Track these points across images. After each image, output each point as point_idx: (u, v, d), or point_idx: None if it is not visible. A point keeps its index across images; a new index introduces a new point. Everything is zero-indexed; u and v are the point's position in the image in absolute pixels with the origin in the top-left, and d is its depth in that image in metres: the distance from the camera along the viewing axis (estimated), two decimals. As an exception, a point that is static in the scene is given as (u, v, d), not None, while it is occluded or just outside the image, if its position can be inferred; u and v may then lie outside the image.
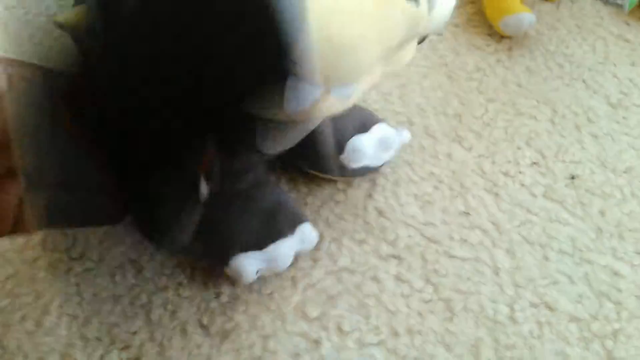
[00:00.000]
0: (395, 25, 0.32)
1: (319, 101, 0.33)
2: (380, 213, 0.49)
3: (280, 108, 0.32)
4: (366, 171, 0.49)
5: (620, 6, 0.53)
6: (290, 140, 0.44)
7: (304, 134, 0.45)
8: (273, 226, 0.41)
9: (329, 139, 0.47)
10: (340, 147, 0.47)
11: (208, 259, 0.44)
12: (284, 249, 0.41)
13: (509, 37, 0.64)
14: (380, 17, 0.30)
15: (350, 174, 0.49)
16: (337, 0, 0.29)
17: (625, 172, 0.52)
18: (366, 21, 0.30)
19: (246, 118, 0.35)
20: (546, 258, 0.46)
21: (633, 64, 0.61)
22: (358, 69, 0.32)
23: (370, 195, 0.50)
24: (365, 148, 0.47)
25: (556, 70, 0.61)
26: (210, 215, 0.41)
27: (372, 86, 0.37)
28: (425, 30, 0.35)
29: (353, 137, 0.46)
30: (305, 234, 0.43)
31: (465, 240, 0.47)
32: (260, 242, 0.41)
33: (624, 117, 0.56)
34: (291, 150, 0.48)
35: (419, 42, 0.45)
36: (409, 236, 0.47)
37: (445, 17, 0.36)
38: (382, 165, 0.49)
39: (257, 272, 0.41)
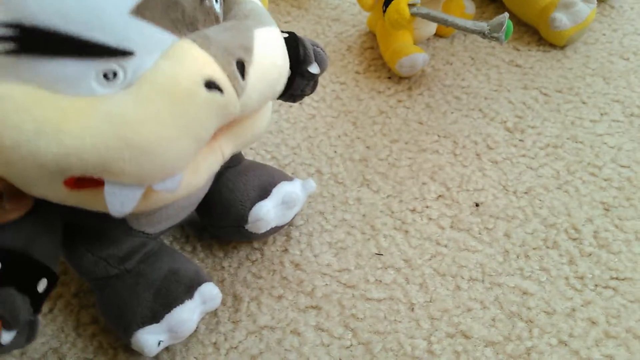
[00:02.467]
0: (201, 117, 0.31)
1: (145, 197, 0.33)
2: (296, 266, 0.50)
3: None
4: (276, 230, 0.50)
5: (497, 39, 0.56)
6: (172, 218, 0.44)
7: (186, 210, 0.45)
8: (166, 295, 0.42)
9: (233, 213, 0.48)
10: (244, 218, 0.47)
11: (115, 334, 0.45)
12: (183, 315, 0.41)
13: (408, 78, 0.67)
14: (180, 115, 0.30)
15: (261, 237, 0.50)
16: (132, 110, 0.29)
17: (525, 192, 0.55)
18: (164, 123, 0.30)
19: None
20: (458, 287, 0.48)
21: (525, 88, 0.65)
22: (169, 166, 0.31)
23: (285, 250, 0.51)
24: (268, 215, 0.47)
25: (454, 103, 0.64)
26: (106, 295, 0.43)
27: (221, 161, 0.37)
28: (248, 109, 0.34)
29: (254, 207, 0.47)
30: (206, 294, 0.43)
31: (379, 281, 0.49)
32: (155, 315, 0.41)
33: (520, 140, 0.59)
34: (203, 218, 0.50)
35: (295, 100, 0.47)
36: (326, 285, 0.49)
37: (268, 91, 0.36)
38: (291, 220, 0.51)
39: (159, 343, 0.42)
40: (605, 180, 0.55)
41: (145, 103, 0.29)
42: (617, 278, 0.48)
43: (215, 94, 0.31)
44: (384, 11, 0.63)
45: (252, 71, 0.33)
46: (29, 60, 0.29)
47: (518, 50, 0.70)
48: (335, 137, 0.61)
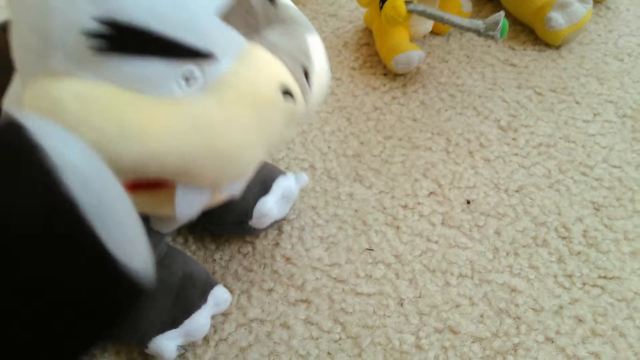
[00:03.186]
0: (275, 125, 0.32)
1: (210, 201, 0.34)
2: (287, 260, 0.50)
3: (171, 213, 0.32)
4: (273, 224, 0.51)
5: (493, 38, 0.56)
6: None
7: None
8: (185, 301, 0.42)
9: (235, 210, 0.48)
10: (247, 214, 0.47)
11: (126, 341, 0.45)
12: (200, 320, 0.42)
13: (403, 75, 0.67)
14: (260, 122, 0.30)
15: (259, 232, 0.51)
16: (217, 114, 0.29)
17: (517, 191, 0.55)
18: (247, 129, 0.30)
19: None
20: (447, 283, 0.49)
21: (519, 87, 0.65)
22: (245, 170, 0.32)
23: (277, 244, 0.51)
24: (272, 210, 0.48)
25: (448, 101, 0.64)
26: None
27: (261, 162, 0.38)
28: (304, 118, 0.35)
29: (258, 202, 0.47)
30: (218, 297, 0.44)
31: (370, 276, 0.49)
32: (175, 320, 0.41)
33: (513, 139, 0.60)
34: (201, 217, 0.50)
35: None
36: (316, 279, 0.49)
37: (319, 100, 0.36)
38: (288, 212, 0.51)
39: (178, 348, 0.42)
40: (596, 180, 0.56)
41: (229, 107, 0.29)
42: (605, 277, 0.48)
43: (290, 101, 0.31)
44: (381, 7, 0.64)
45: (314, 76, 0.34)
46: (116, 59, 0.28)
47: (513, 49, 0.71)
48: (329, 132, 0.61)
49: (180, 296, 0.42)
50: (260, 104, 0.30)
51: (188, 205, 0.31)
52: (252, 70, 0.30)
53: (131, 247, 0.21)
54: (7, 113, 0.23)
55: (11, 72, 0.32)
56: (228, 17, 0.30)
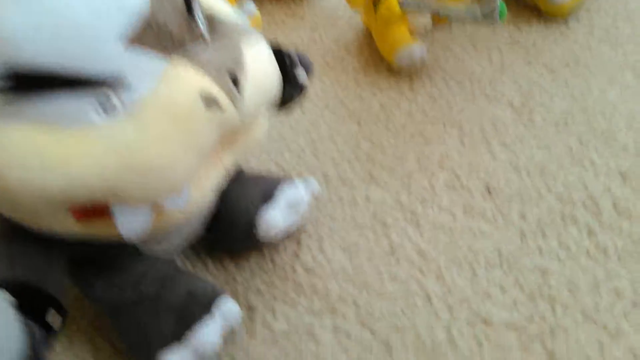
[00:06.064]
0: (203, 132, 0.33)
1: (157, 218, 0.35)
2: (308, 271, 0.49)
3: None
4: (286, 233, 0.50)
5: (492, 21, 0.55)
6: (179, 236, 0.45)
7: (189, 229, 0.46)
8: (187, 316, 0.41)
9: (239, 223, 0.48)
10: (252, 225, 0.47)
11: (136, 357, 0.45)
12: (206, 331, 0.41)
13: (408, 70, 0.66)
14: (182, 132, 0.31)
15: (272, 240, 0.50)
16: (133, 133, 0.31)
17: (538, 171, 0.53)
18: (168, 142, 0.31)
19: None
20: (475, 274, 0.47)
21: (529, 64, 0.63)
22: (175, 182, 0.33)
23: (297, 256, 0.51)
24: (277, 220, 0.47)
25: (457, 90, 0.63)
26: (125, 321, 0.43)
27: (224, 173, 0.38)
28: (247, 118, 0.36)
29: (262, 212, 0.47)
30: (224, 309, 0.42)
31: (395, 277, 0.48)
32: (178, 335, 0.41)
33: (529, 119, 0.58)
34: (211, 233, 0.50)
35: (285, 108, 0.47)
36: (340, 287, 0.48)
37: (263, 102, 0.37)
38: (300, 225, 0.50)
39: None
40: (620, 147, 0.53)
41: (147, 127, 0.31)
42: (640, 246, 0.46)
43: (214, 108, 0.32)
44: (374, 5, 0.63)
45: (246, 83, 0.34)
46: (28, 101, 0.30)
47: (519, 27, 0.69)
48: (340, 138, 0.60)
49: (184, 312, 0.42)
50: (179, 116, 0.31)
51: (130, 225, 0.33)
52: (170, 86, 0.32)
53: None
54: None
55: None
56: (140, 40, 0.31)
